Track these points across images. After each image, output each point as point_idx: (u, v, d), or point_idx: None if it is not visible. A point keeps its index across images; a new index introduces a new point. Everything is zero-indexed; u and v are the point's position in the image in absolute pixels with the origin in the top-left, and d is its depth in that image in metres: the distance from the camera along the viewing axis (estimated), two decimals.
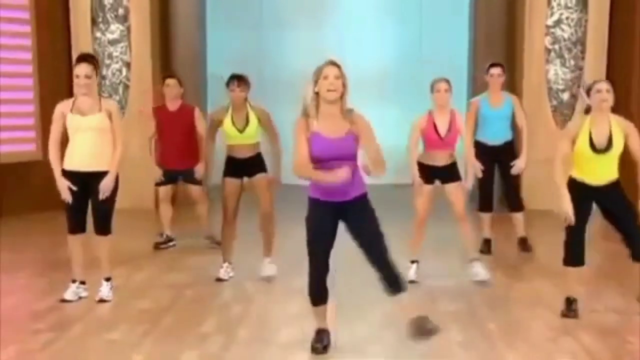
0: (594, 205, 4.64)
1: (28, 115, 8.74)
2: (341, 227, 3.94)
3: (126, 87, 9.08)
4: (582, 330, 4.39)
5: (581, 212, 4.51)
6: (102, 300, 4.97)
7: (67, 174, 4.92)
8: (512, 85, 9.60)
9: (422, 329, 3.79)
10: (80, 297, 5.05)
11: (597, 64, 8.85)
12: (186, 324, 4.55)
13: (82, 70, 4.84)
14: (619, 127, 4.47)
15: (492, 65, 6.47)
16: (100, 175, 4.90)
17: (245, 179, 5.65)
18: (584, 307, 4.73)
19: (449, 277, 5.63)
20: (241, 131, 5.53)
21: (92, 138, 4.90)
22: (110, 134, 4.93)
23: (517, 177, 6.41)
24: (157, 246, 6.78)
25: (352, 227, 3.86)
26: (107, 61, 8.98)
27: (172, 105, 6.72)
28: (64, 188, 4.88)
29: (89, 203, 4.98)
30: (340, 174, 3.66)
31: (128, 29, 8.96)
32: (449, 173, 5.44)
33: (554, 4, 8.87)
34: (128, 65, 9.03)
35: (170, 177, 6.78)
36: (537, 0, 8.87)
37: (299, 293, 5.18)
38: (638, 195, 4.50)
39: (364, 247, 3.84)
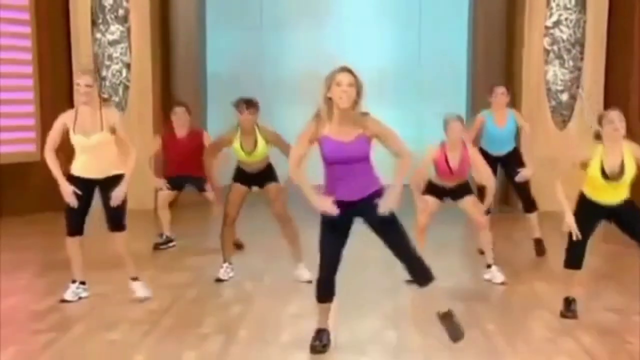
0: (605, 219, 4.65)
1: (28, 115, 8.74)
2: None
3: (126, 87, 9.09)
4: (581, 330, 4.40)
5: (587, 226, 4.55)
6: (144, 299, 4.98)
7: (73, 178, 4.93)
8: (512, 86, 9.62)
9: (453, 330, 3.87)
10: (80, 298, 5.06)
11: (596, 65, 8.87)
12: (186, 324, 4.55)
13: (82, 79, 4.86)
14: (631, 154, 4.47)
15: (496, 87, 6.52)
16: (108, 180, 4.91)
17: (255, 188, 5.68)
18: (583, 307, 4.73)
19: (449, 278, 5.62)
20: (250, 154, 5.54)
21: (98, 153, 4.91)
22: (115, 142, 4.93)
23: (528, 182, 6.48)
24: (156, 247, 6.79)
25: (371, 224, 3.87)
26: (107, 62, 9.00)
27: (181, 132, 6.73)
28: (69, 193, 4.87)
29: (90, 206, 4.99)
30: (324, 205, 3.72)
31: (128, 30, 8.97)
32: (460, 191, 5.52)
33: (553, 5, 8.89)
34: (128, 66, 9.04)
35: (176, 183, 6.77)
36: (536, 1, 8.89)
37: (299, 293, 5.21)
38: None
39: (387, 242, 3.86)
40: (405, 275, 5.36)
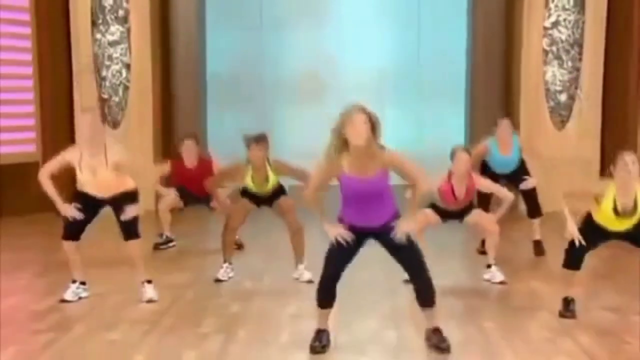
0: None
1: (28, 116, 8.76)
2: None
3: (126, 88, 9.09)
4: (580, 330, 4.41)
5: (591, 242, 4.58)
6: (150, 301, 5.00)
7: (80, 193, 4.98)
8: (510, 87, 9.65)
9: (438, 344, 4.04)
10: (80, 298, 5.06)
11: (595, 66, 8.89)
12: (186, 323, 4.56)
13: (86, 117, 4.89)
14: None
15: (500, 120, 6.53)
16: (116, 197, 4.96)
17: (264, 206, 5.72)
18: (582, 307, 4.74)
19: (448, 277, 5.63)
20: (261, 187, 5.59)
21: (105, 185, 4.95)
22: (121, 169, 4.94)
23: (534, 190, 6.52)
24: (156, 247, 6.80)
25: (386, 247, 4.01)
26: (107, 62, 9.01)
27: (190, 163, 6.73)
28: (68, 211, 4.92)
29: (92, 221, 5.04)
30: (338, 232, 3.89)
31: (128, 30, 8.98)
32: (465, 211, 5.55)
33: (552, 5, 8.91)
34: (128, 66, 9.05)
35: (183, 194, 6.77)
36: (534, 2, 8.90)
37: (299, 293, 5.22)
38: None
39: (401, 263, 4.06)
40: (404, 275, 5.39)
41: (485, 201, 6.16)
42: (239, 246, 6.47)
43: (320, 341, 4.06)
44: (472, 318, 4.71)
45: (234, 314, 4.80)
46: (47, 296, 5.16)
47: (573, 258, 4.64)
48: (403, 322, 4.59)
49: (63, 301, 4.99)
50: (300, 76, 10.93)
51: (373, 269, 5.67)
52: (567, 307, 4.69)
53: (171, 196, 6.80)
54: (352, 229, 3.93)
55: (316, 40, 11.02)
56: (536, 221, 6.52)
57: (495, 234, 5.56)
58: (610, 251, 4.87)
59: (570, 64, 8.98)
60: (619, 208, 4.44)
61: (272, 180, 5.58)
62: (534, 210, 6.52)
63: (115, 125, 9.01)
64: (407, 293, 5.16)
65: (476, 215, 5.61)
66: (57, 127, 8.87)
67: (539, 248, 6.51)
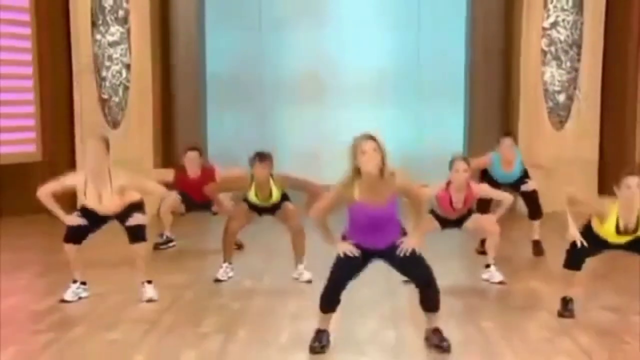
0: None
1: (28, 116, 8.77)
2: None
3: (126, 88, 9.11)
4: (578, 330, 4.42)
5: (591, 250, 4.61)
6: (150, 300, 5.02)
7: (83, 208, 5.01)
8: (509, 87, 9.66)
9: (439, 344, 4.08)
10: (80, 298, 5.08)
11: (593, 66, 8.91)
12: (186, 323, 4.57)
13: (92, 144, 4.90)
14: None
15: (504, 135, 6.57)
16: (122, 211, 4.99)
17: (266, 215, 5.76)
18: (581, 307, 4.76)
19: (447, 277, 5.62)
20: (265, 201, 5.63)
21: (113, 207, 4.99)
22: (127, 191, 4.97)
23: (536, 192, 6.55)
24: (157, 247, 6.81)
25: (393, 265, 4.09)
26: (107, 63, 9.02)
27: (194, 174, 6.74)
28: (72, 220, 4.96)
29: (97, 231, 5.07)
30: (345, 248, 3.97)
31: (128, 31, 8.99)
32: (463, 218, 5.56)
33: (550, 6, 8.93)
34: (128, 66, 9.07)
35: (185, 199, 6.77)
36: (533, 2, 8.92)
37: (299, 293, 5.23)
38: None
39: (409, 278, 4.16)
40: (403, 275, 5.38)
41: (484, 207, 6.17)
42: (239, 246, 6.48)
43: (320, 341, 4.07)
44: (471, 318, 4.73)
45: (234, 313, 4.81)
46: (47, 296, 5.17)
47: (574, 259, 4.65)
48: (402, 323, 4.60)
49: (63, 301, 5.00)
50: (300, 76, 10.93)
51: (370, 270, 5.67)
52: (566, 307, 4.70)
53: (172, 197, 6.81)
54: (358, 247, 4.00)
55: (316, 41, 11.02)
56: (536, 222, 6.55)
57: (496, 235, 5.56)
58: (611, 253, 4.88)
59: (569, 64, 9.00)
60: (621, 227, 4.48)
61: (276, 195, 5.62)
62: (535, 211, 6.54)
63: (115, 125, 9.03)
64: (407, 293, 5.18)
65: (475, 219, 5.61)
66: (57, 128, 8.89)
67: (538, 248, 6.53)
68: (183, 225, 7.43)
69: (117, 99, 9.07)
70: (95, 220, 5.04)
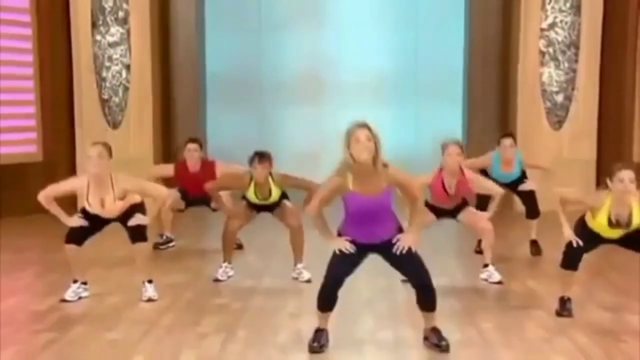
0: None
1: (29, 116, 8.80)
2: None
3: (126, 89, 9.13)
4: (576, 329, 4.44)
5: (586, 246, 4.63)
6: (150, 300, 5.04)
7: (84, 210, 5.02)
8: (507, 87, 9.69)
9: (438, 343, 4.09)
10: (80, 297, 5.09)
11: (591, 67, 8.94)
12: (185, 323, 4.58)
13: (94, 150, 4.91)
14: (638, 207, 4.49)
15: (504, 136, 6.58)
16: (123, 214, 5.00)
17: (264, 212, 5.77)
18: (578, 306, 4.77)
19: (444, 277, 5.65)
20: (264, 200, 5.64)
21: (115, 211, 5.01)
22: (129, 194, 4.99)
23: (533, 193, 6.56)
24: (156, 246, 6.82)
25: (389, 261, 4.07)
26: (107, 63, 9.05)
27: (194, 167, 6.75)
28: (74, 221, 4.98)
29: (98, 232, 5.09)
30: (340, 244, 3.95)
31: (128, 31, 9.02)
32: (458, 209, 5.56)
33: (548, 7, 8.96)
34: (128, 67, 9.09)
35: (185, 195, 6.77)
36: (531, 3, 8.95)
37: (298, 293, 5.24)
38: None
39: (404, 274, 4.15)
40: (400, 274, 5.38)
41: (483, 204, 6.20)
42: (239, 246, 6.50)
43: (319, 341, 4.08)
44: (469, 318, 4.74)
45: (234, 313, 4.82)
46: (47, 296, 5.18)
47: (570, 259, 4.67)
48: (401, 322, 4.62)
49: (63, 301, 5.02)
50: (299, 77, 10.96)
51: (368, 269, 5.69)
52: (564, 306, 4.71)
53: (172, 196, 6.82)
54: (353, 243, 4.00)
55: (315, 42, 11.05)
56: (534, 221, 6.57)
57: (490, 233, 5.56)
58: (607, 250, 4.90)
59: (566, 65, 9.04)
60: (614, 220, 4.49)
61: (275, 193, 5.63)
62: (532, 211, 6.56)
63: (115, 125, 9.05)
64: (404, 292, 5.19)
65: (470, 213, 5.59)
66: (58, 128, 8.91)
67: (536, 248, 6.55)
68: (183, 224, 7.45)
69: (117, 100, 9.10)
70: (96, 222, 5.06)
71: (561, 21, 8.98)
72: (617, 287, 5.37)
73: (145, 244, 5.11)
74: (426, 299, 4.06)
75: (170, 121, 10.11)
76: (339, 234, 4.05)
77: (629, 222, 4.49)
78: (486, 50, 10.02)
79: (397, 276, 5.08)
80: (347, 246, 3.96)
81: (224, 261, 5.72)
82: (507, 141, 6.46)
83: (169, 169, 6.97)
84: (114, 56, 9.05)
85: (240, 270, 5.83)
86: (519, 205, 6.86)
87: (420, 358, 4.04)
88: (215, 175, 6.60)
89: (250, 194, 5.63)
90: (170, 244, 6.94)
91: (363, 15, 11.32)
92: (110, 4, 8.97)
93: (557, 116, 9.07)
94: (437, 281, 5.05)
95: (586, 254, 4.71)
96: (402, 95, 11.07)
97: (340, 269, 4.00)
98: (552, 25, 9.00)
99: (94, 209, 4.97)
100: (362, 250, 4.03)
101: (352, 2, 11.43)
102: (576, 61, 9.00)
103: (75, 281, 5.12)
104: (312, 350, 4.04)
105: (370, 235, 3.98)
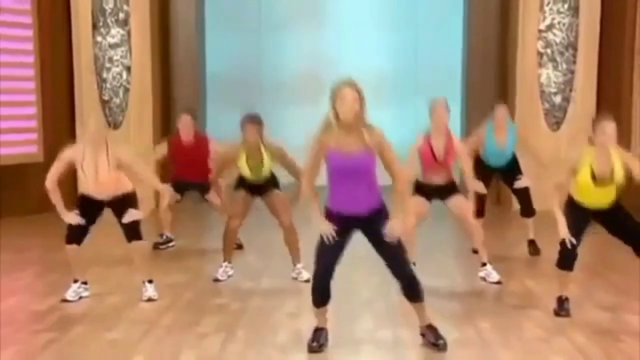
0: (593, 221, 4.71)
1: (30, 117, 8.81)
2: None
3: (126, 90, 9.15)
4: (574, 329, 4.45)
5: (578, 230, 4.61)
6: (150, 300, 5.05)
7: (82, 197, 5.04)
8: (506, 88, 9.69)
9: (435, 342, 4.09)
10: (81, 297, 5.10)
11: (589, 68, 8.96)
12: (185, 323, 4.60)
13: (92, 119, 4.94)
14: (620, 160, 4.53)
15: (497, 105, 6.56)
16: (117, 198, 5.01)
17: (258, 198, 5.72)
18: (576, 306, 4.78)
19: (443, 277, 5.67)
20: (255, 171, 5.57)
21: (106, 183, 5.00)
22: (123, 167, 4.99)
23: (528, 190, 6.55)
24: (156, 246, 6.84)
25: (371, 240, 4.03)
26: (108, 65, 9.06)
27: (187, 138, 6.77)
28: (70, 217, 4.98)
29: (94, 223, 5.08)
30: (324, 230, 3.91)
31: (128, 33, 9.04)
32: (448, 190, 5.52)
33: (546, 9, 8.98)
34: (128, 68, 9.11)
35: (179, 188, 6.79)
36: (529, 5, 8.97)
37: (297, 292, 5.26)
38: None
39: (384, 258, 4.05)
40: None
41: (478, 196, 6.20)
42: (239, 246, 6.52)
43: (318, 341, 4.10)
44: (467, 317, 4.75)
45: (233, 313, 4.84)
46: (47, 296, 5.19)
47: (566, 259, 4.67)
48: (399, 322, 4.63)
49: (64, 301, 5.03)
50: (299, 77, 10.98)
51: (365, 269, 5.72)
52: (562, 306, 4.72)
53: (168, 193, 6.82)
54: (339, 218, 3.93)
55: (315, 42, 11.07)
56: (530, 220, 6.57)
57: (476, 229, 5.51)
58: (605, 250, 4.90)
59: (564, 66, 9.05)
60: (597, 173, 4.47)
61: (267, 164, 5.53)
62: (527, 209, 6.56)
63: (115, 126, 9.07)
64: (401, 291, 5.22)
65: (458, 200, 5.50)
66: (59, 129, 8.92)
67: (533, 247, 6.56)
68: (183, 224, 7.46)
69: (117, 101, 9.12)
70: (91, 212, 5.03)
71: (559, 23, 8.99)
72: (616, 287, 5.38)
73: (141, 242, 5.11)
74: (410, 289, 4.04)
75: (171, 122, 10.11)
76: (327, 210, 3.99)
77: (611, 177, 4.48)
78: (485, 51, 10.03)
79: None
80: (330, 233, 3.90)
81: (224, 261, 5.73)
82: (501, 108, 6.43)
83: (163, 146, 6.97)
84: (115, 57, 9.07)
85: (240, 271, 5.84)
86: (516, 205, 6.86)
87: (418, 358, 4.06)
88: (209, 148, 6.63)
89: (242, 164, 5.53)
90: (170, 244, 6.96)
91: (363, 16, 11.33)
92: (111, 5, 8.99)
93: (555, 117, 9.09)
94: (435, 281, 5.09)
95: (581, 237, 4.64)
96: (402, 95, 11.09)
97: (327, 256, 3.97)
98: (550, 27, 9.02)
99: (88, 177, 4.92)
100: (347, 228, 3.96)
101: (352, 2, 11.45)
102: (574, 62, 9.02)
103: (75, 281, 5.13)
104: (311, 350, 4.06)
105: (354, 203, 3.90)
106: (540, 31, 9.01)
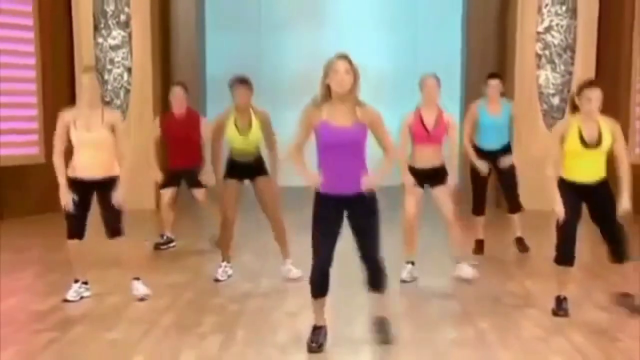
0: (584, 206, 4.71)
1: (31, 119, 8.84)
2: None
3: (127, 91, 9.18)
4: (573, 328, 4.46)
5: (572, 211, 4.59)
6: (142, 299, 5.06)
7: (71, 181, 4.96)
8: (504, 89, 9.70)
9: (382, 333, 4.08)
10: (82, 297, 5.12)
11: (586, 69, 8.97)
12: (185, 323, 4.61)
13: (86, 76, 4.93)
14: (607, 126, 4.58)
15: (490, 76, 6.57)
16: (105, 181, 4.96)
17: (247, 182, 5.69)
18: (575, 305, 4.79)
19: (442, 277, 5.68)
20: (244, 134, 5.52)
21: (96, 151, 4.95)
22: (114, 144, 4.97)
23: (514, 181, 6.51)
24: (157, 247, 6.86)
25: (351, 220, 3.99)
26: (109, 66, 9.09)
27: (179, 110, 6.78)
28: (68, 199, 4.93)
29: (89, 211, 5.04)
30: (312, 179, 3.87)
31: (129, 34, 9.07)
32: (438, 176, 5.47)
33: (544, 11, 9.01)
34: (129, 70, 9.14)
35: (172, 179, 6.82)
36: (527, 7, 9.00)
37: (296, 292, 5.27)
38: (618, 191, 4.62)
39: (356, 240, 4.01)
40: (400, 274, 5.42)
41: (478, 194, 6.18)
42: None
43: (317, 341, 4.11)
44: (466, 317, 4.76)
45: (233, 313, 4.85)
46: (47, 296, 5.20)
47: (565, 252, 4.65)
48: (397, 321, 4.63)
49: (66, 301, 5.04)
50: (299, 77, 10.98)
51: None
52: (560, 306, 4.73)
53: (166, 190, 6.85)
54: (328, 200, 3.91)
55: (315, 42, 11.08)
56: (516, 217, 6.53)
57: (453, 226, 5.47)
58: (602, 249, 4.91)
59: (562, 67, 9.08)
60: (585, 137, 4.50)
61: (255, 128, 5.50)
62: (514, 204, 6.51)
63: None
64: (402, 292, 5.23)
65: (443, 192, 5.45)
66: None
67: (521, 245, 6.56)
68: (183, 224, 7.47)
69: (118, 102, 9.14)
70: (83, 196, 4.95)
71: (557, 24, 9.02)
72: (613, 287, 5.38)
73: (121, 238, 5.02)
74: (376, 278, 4.01)
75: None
76: (315, 194, 3.96)
77: (599, 140, 4.51)
78: (484, 52, 10.04)
79: (395, 276, 5.12)
80: (317, 181, 3.85)
81: (223, 260, 5.75)
82: (494, 81, 6.43)
83: (156, 123, 6.94)
84: (116, 59, 9.10)
85: (239, 271, 5.86)
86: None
87: (418, 357, 4.06)
88: (199, 123, 6.67)
89: (231, 128, 5.49)
90: (171, 244, 6.97)
91: (363, 16, 11.34)
92: (112, 7, 9.01)
93: (554, 118, 9.09)
94: (435, 281, 5.09)
95: (576, 221, 4.63)
96: (402, 95, 11.08)
97: (324, 246, 3.93)
98: (548, 29, 9.05)
99: (79, 132, 4.88)
100: (337, 209, 3.93)
101: (352, 2, 11.46)
102: (572, 64, 9.05)
103: (76, 281, 5.14)
104: (311, 350, 4.07)
105: (343, 181, 3.87)
106: (538, 33, 9.05)
